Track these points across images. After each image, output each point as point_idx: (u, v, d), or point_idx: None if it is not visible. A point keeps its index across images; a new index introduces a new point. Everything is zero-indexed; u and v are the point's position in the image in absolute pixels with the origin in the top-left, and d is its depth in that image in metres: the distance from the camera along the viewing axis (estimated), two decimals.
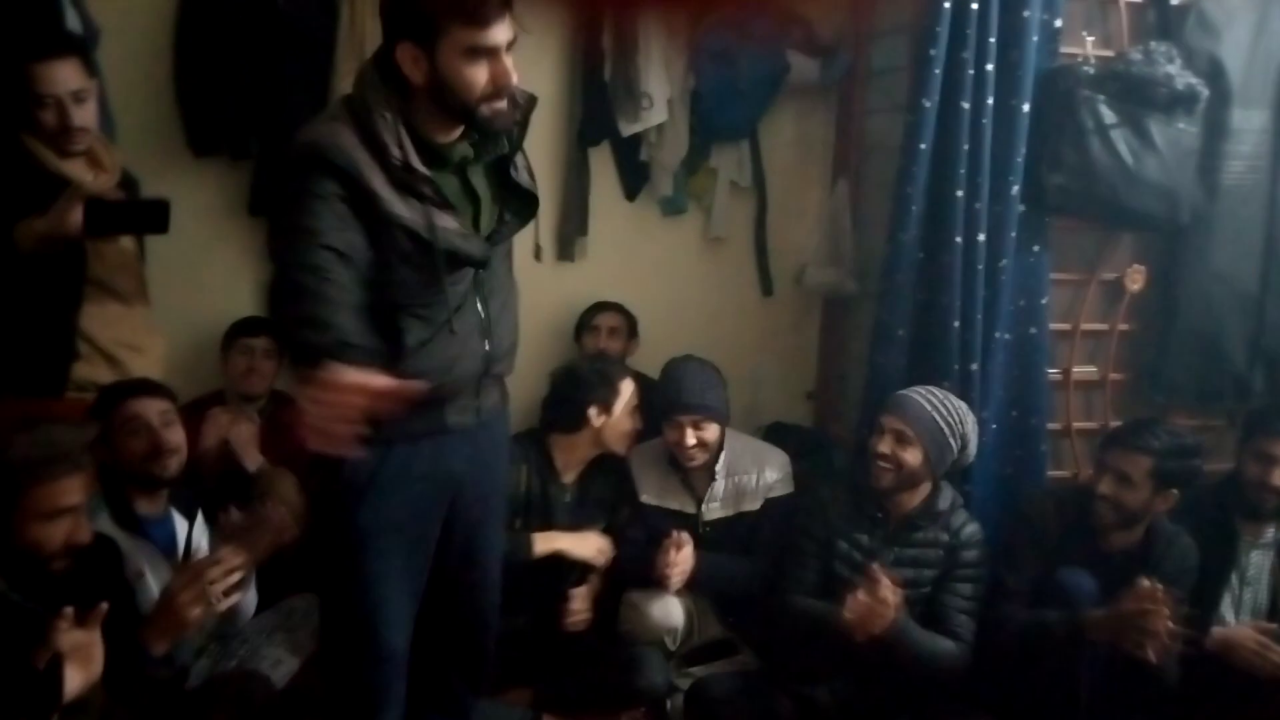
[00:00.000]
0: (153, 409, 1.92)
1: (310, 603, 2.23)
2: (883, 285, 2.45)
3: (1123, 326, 2.63)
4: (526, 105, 1.62)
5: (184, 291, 2.61)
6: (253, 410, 2.52)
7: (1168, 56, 2.36)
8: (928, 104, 2.29)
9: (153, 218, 1.83)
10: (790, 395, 3.09)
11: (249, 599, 2.02)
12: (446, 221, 1.54)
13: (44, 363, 1.97)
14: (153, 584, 1.84)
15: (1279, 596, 2.33)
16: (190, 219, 2.63)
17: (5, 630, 1.42)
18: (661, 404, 2.31)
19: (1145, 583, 1.97)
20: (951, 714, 2.18)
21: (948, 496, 2.21)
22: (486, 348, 1.66)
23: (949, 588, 2.17)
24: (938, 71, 2.28)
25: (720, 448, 2.29)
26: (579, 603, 2.27)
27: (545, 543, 2.24)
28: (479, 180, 1.63)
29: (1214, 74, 2.44)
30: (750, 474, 2.32)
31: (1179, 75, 2.35)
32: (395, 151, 1.49)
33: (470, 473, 1.73)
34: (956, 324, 2.37)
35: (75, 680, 1.40)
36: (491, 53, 1.47)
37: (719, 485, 2.30)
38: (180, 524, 2.00)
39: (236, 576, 1.77)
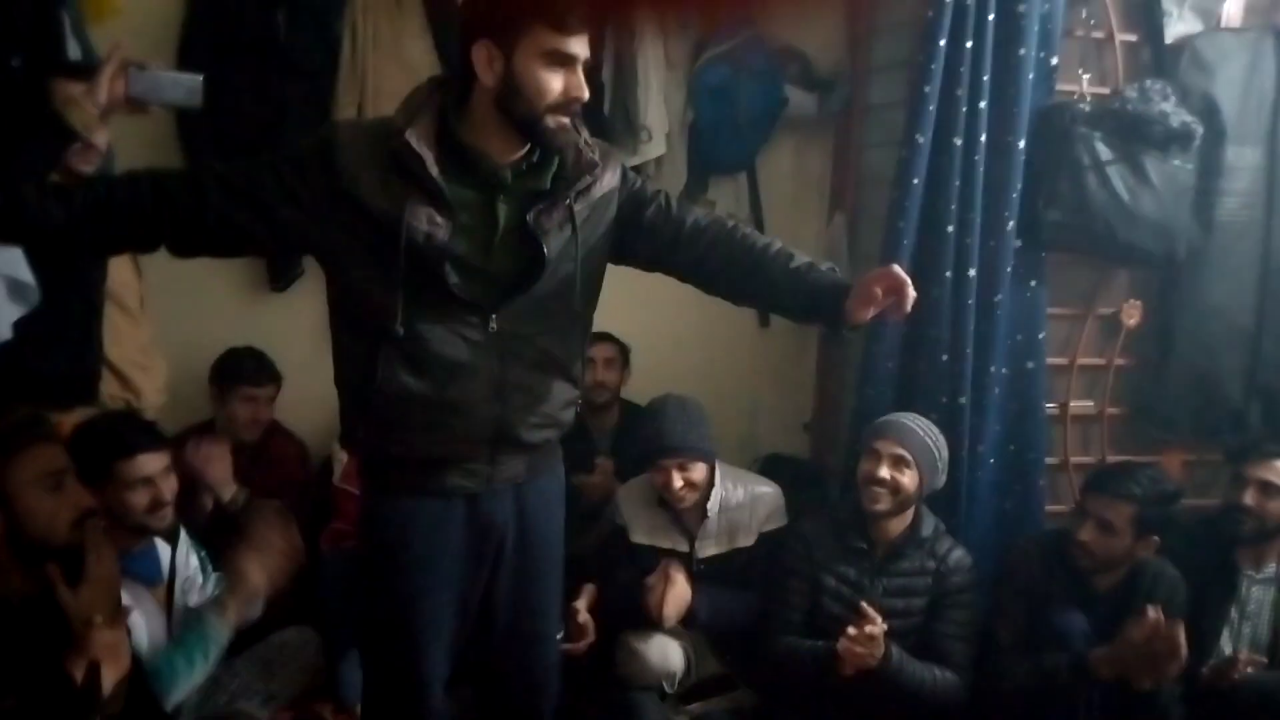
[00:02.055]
0: (157, 465, 1.90)
1: (301, 637, 2.22)
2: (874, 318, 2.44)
3: (1119, 361, 2.64)
4: (588, 164, 1.51)
5: (178, 317, 2.61)
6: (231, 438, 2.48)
7: (1163, 94, 2.39)
8: (921, 139, 2.31)
9: (187, 91, 1.78)
10: (787, 427, 3.09)
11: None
12: (430, 217, 1.43)
13: (74, 371, 1.93)
14: (139, 618, 1.81)
15: None
16: None
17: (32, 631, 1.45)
18: (644, 447, 2.25)
19: (1151, 611, 1.96)
20: None
21: (930, 523, 2.20)
22: (499, 414, 1.54)
23: (941, 615, 2.16)
24: (932, 108, 2.30)
25: (710, 484, 2.27)
26: (580, 617, 2.20)
27: None
28: (507, 213, 1.50)
29: (1208, 112, 2.46)
30: (744, 509, 2.30)
31: (1174, 113, 2.37)
32: (399, 120, 1.45)
33: (516, 526, 1.65)
34: (945, 357, 2.38)
35: (109, 679, 1.44)
36: (569, 62, 1.44)
37: (712, 522, 2.28)
38: (163, 549, 1.98)
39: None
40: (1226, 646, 2.28)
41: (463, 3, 1.53)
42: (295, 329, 2.75)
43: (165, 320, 2.64)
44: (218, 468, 2.27)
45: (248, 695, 2.02)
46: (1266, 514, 2.27)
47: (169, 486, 1.91)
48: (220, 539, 2.09)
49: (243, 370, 2.55)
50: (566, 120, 1.46)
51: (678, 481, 2.19)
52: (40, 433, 1.58)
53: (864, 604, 2.04)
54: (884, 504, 2.13)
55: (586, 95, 1.47)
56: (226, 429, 2.53)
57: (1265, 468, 2.28)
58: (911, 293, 1.51)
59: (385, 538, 1.62)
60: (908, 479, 2.12)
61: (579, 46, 1.44)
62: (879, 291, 1.50)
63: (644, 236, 1.62)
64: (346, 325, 1.55)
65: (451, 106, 1.48)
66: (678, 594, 2.17)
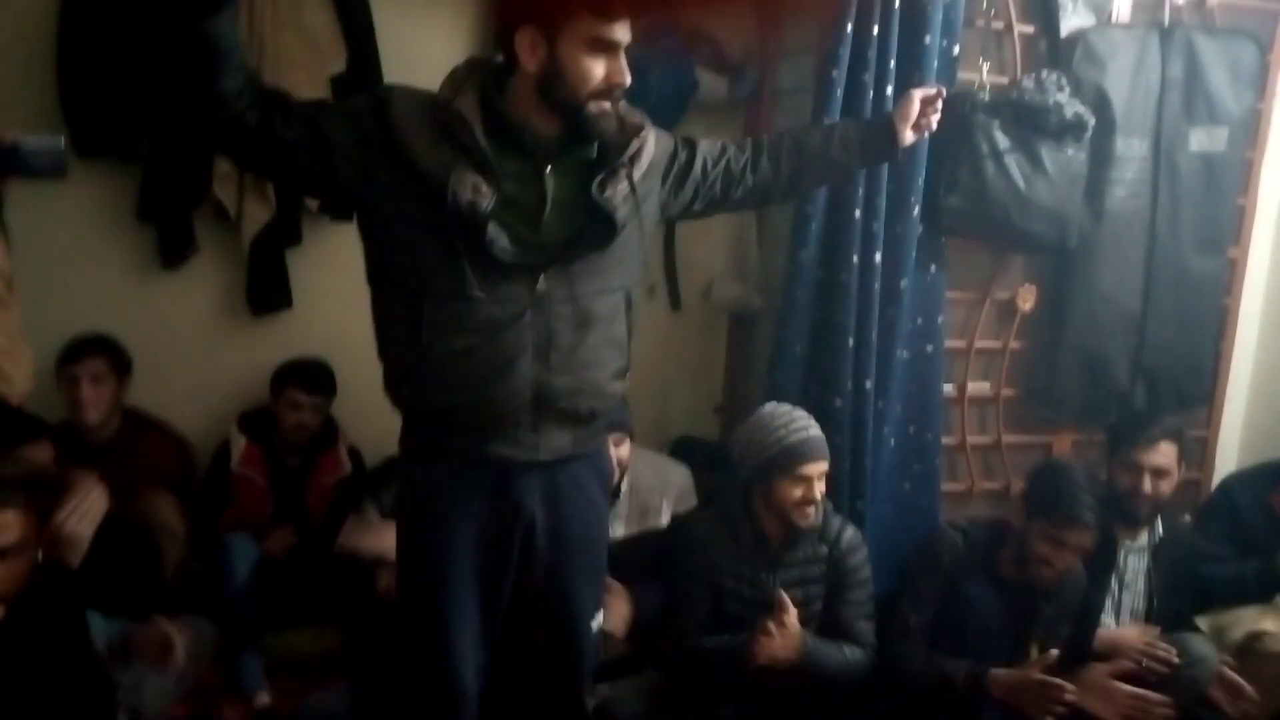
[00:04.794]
0: (44, 455, 1.82)
1: (196, 628, 2.15)
2: (782, 302, 2.48)
3: (1014, 344, 2.72)
4: (634, 128, 1.55)
5: (59, 300, 2.48)
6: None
7: (1058, 85, 2.46)
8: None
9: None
10: (698, 409, 3.11)
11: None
12: (476, 186, 1.44)
13: None
14: None
15: (1154, 599, 2.44)
16: (70, 224, 2.52)
17: None
18: None
19: (1053, 653, 2.08)
20: None
21: (821, 506, 2.21)
22: (540, 375, 1.53)
23: (842, 596, 2.19)
24: (839, 93, 2.32)
25: (627, 464, 2.26)
26: None
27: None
28: (556, 183, 1.52)
29: (1100, 103, 2.54)
30: (654, 491, 2.31)
31: (1068, 104, 2.44)
32: (446, 91, 1.46)
33: (546, 512, 1.63)
34: (851, 341, 2.41)
35: None
36: (611, 48, 1.45)
37: (622, 503, 2.28)
38: None
39: None
40: (1108, 617, 2.39)
41: None
42: (186, 311, 2.66)
43: (43, 302, 2.52)
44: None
45: (140, 688, 1.94)
46: (1159, 496, 2.38)
47: None
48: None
49: (67, 350, 2.38)
50: (608, 105, 1.48)
51: (613, 458, 2.18)
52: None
53: (781, 594, 2.05)
54: (815, 517, 2.15)
55: (629, 80, 1.48)
56: (71, 420, 2.38)
57: (1155, 451, 2.37)
58: (941, 94, 1.83)
59: (415, 505, 1.62)
60: (823, 484, 2.15)
61: (622, 32, 1.46)
62: (916, 106, 1.80)
63: (698, 192, 1.71)
64: (389, 284, 1.54)
65: (493, 85, 1.49)
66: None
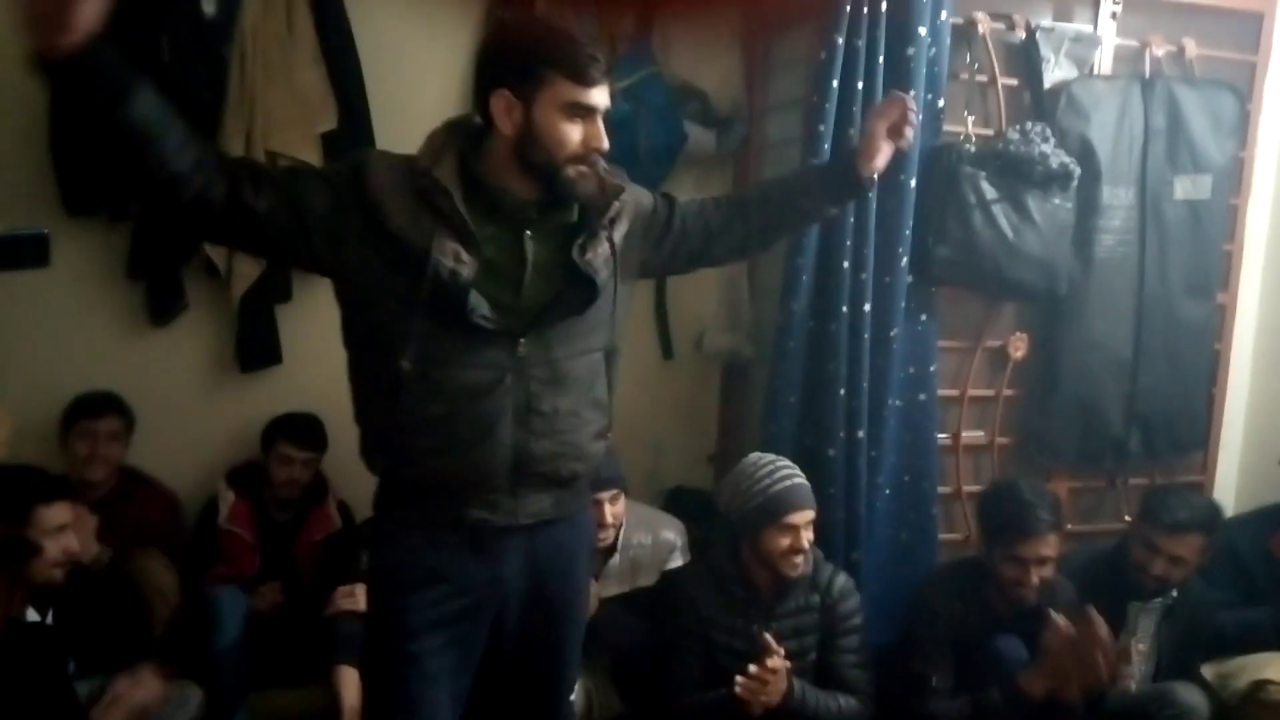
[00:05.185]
0: (62, 516, 1.82)
1: (182, 693, 2.12)
2: (774, 353, 2.48)
3: (1008, 392, 2.72)
4: (613, 190, 1.51)
5: (50, 357, 2.48)
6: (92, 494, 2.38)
7: (1043, 136, 2.48)
8: None
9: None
10: (692, 459, 3.09)
11: None
12: (457, 254, 1.41)
13: None
14: None
15: (1163, 655, 2.39)
16: (61, 281, 2.51)
17: None
18: None
19: (1059, 620, 2.04)
20: None
21: (810, 555, 2.19)
22: (520, 440, 1.49)
23: (835, 646, 2.17)
24: (826, 146, 2.34)
25: (620, 521, 2.24)
26: None
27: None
28: (535, 247, 1.49)
29: (1085, 153, 2.57)
30: (645, 549, 2.29)
31: (1053, 154, 2.47)
32: (425, 159, 1.44)
33: (524, 578, 1.58)
34: (843, 392, 2.41)
35: None
36: (589, 113, 1.44)
37: (615, 561, 2.25)
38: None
39: None
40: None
41: (480, 49, 1.52)
42: (175, 367, 2.65)
43: (33, 358, 2.51)
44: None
45: None
46: (1170, 580, 2.32)
47: (70, 541, 1.84)
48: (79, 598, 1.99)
49: (80, 404, 2.43)
50: (586, 170, 1.46)
51: (608, 515, 2.16)
52: None
53: (766, 635, 2.03)
54: (804, 566, 2.13)
55: (606, 145, 1.46)
56: (72, 472, 2.38)
57: (1178, 542, 2.29)
58: (912, 105, 1.68)
59: (386, 571, 1.57)
60: (811, 532, 2.13)
61: (600, 97, 1.44)
62: (881, 129, 1.68)
63: (678, 249, 1.69)
64: (366, 350, 1.51)
65: (470, 148, 1.48)
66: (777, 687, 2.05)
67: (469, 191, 1.45)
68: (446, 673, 1.56)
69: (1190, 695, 2.30)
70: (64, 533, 1.81)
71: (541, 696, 1.67)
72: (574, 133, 1.43)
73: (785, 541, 2.08)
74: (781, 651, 2.01)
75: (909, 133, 1.69)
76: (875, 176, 1.71)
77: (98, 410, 2.41)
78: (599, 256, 1.50)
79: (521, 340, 1.47)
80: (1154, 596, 2.37)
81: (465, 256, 1.42)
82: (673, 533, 2.34)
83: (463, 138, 1.48)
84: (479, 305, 1.43)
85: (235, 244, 1.68)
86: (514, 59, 1.44)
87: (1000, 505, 2.24)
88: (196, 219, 1.40)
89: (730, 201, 1.74)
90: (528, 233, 1.48)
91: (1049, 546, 2.17)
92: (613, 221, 1.53)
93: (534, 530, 1.56)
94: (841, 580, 2.20)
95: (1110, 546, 2.47)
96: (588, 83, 1.42)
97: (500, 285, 1.47)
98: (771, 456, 2.19)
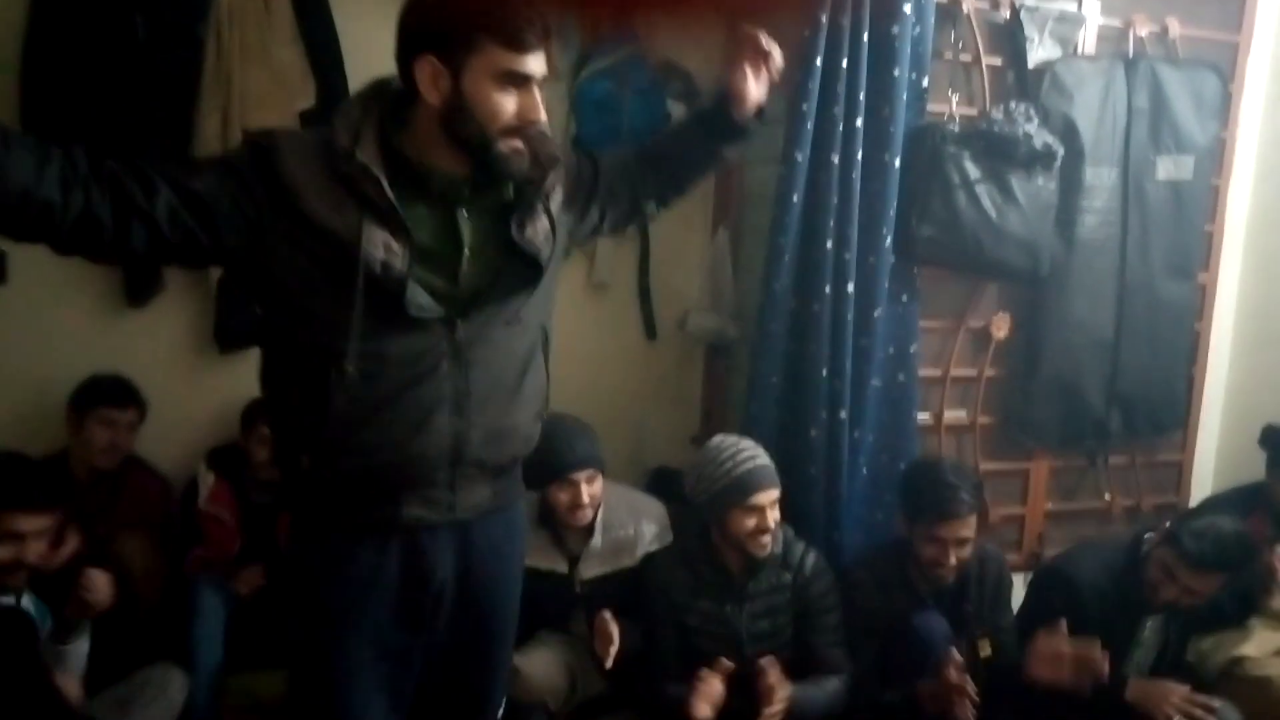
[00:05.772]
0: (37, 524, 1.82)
1: (165, 675, 2.11)
2: (757, 333, 2.48)
3: (990, 372, 2.73)
4: (549, 160, 1.37)
5: (26, 338, 2.45)
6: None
7: (1026, 116, 2.49)
8: (799, 157, 2.34)
9: None
10: (675, 439, 3.08)
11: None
12: (387, 244, 1.29)
13: None
14: None
15: (1165, 657, 2.36)
16: (36, 263, 2.47)
17: None
18: (552, 461, 2.13)
19: (955, 656, 2.05)
20: None
21: (780, 534, 2.20)
22: (458, 427, 1.39)
23: (811, 625, 2.19)
24: (809, 126, 2.33)
25: (599, 501, 2.24)
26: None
27: None
28: (471, 227, 1.38)
29: (1068, 133, 2.58)
30: (627, 528, 2.29)
31: (1037, 134, 2.47)
32: (343, 139, 1.29)
33: (457, 576, 1.47)
34: (825, 372, 2.41)
35: None
36: (524, 82, 1.30)
37: (596, 542, 2.25)
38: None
39: None
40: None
41: (404, 8, 1.35)
42: (153, 348, 2.62)
43: (9, 340, 2.48)
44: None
45: None
46: (1180, 604, 2.26)
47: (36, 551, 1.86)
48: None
49: (102, 391, 2.40)
50: (520, 144, 1.32)
51: (585, 496, 2.16)
52: None
53: (759, 663, 2.05)
54: (773, 545, 2.14)
55: (543, 116, 1.34)
56: (81, 456, 2.37)
57: (1198, 579, 2.20)
58: (768, 44, 1.52)
59: (310, 583, 1.45)
60: (777, 512, 2.14)
61: (536, 64, 1.31)
62: (744, 66, 1.52)
63: (605, 211, 1.58)
64: (291, 346, 1.39)
65: (390, 119, 1.34)
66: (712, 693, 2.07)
67: (392, 169, 1.32)
68: (381, 686, 1.47)
69: (1230, 714, 2.21)
70: (38, 539, 1.79)
71: (475, 695, 1.58)
72: (508, 104, 1.30)
73: (751, 522, 2.10)
74: (774, 669, 2.03)
75: (772, 64, 1.54)
76: (756, 114, 1.57)
77: (122, 400, 2.39)
78: (540, 233, 1.40)
79: (459, 323, 1.37)
80: (1163, 613, 2.32)
81: (396, 246, 1.30)
82: (654, 515, 2.34)
83: (382, 109, 1.35)
84: (415, 295, 1.32)
85: (139, 260, 1.43)
86: (441, 20, 1.30)
87: (922, 486, 2.22)
88: (88, 243, 1.21)
89: (640, 157, 1.62)
90: (461, 212, 1.37)
91: (968, 528, 2.18)
92: (549, 194, 1.42)
93: (469, 525, 1.47)
94: (813, 558, 2.22)
95: (1123, 553, 2.33)
96: (523, 48, 1.29)
97: (435, 271, 1.36)
98: (734, 439, 2.20)
